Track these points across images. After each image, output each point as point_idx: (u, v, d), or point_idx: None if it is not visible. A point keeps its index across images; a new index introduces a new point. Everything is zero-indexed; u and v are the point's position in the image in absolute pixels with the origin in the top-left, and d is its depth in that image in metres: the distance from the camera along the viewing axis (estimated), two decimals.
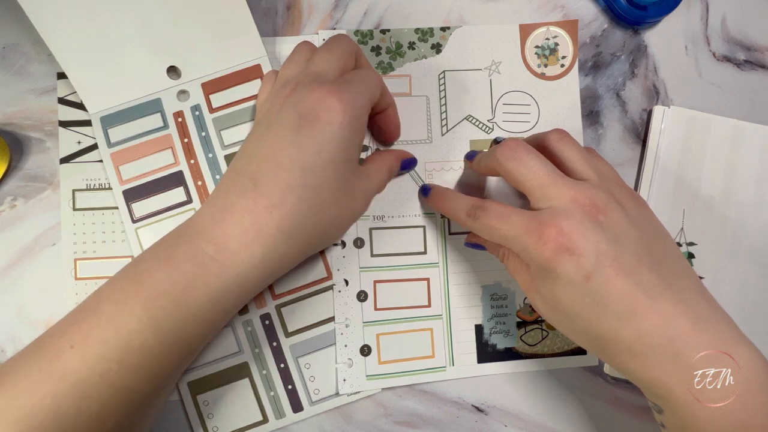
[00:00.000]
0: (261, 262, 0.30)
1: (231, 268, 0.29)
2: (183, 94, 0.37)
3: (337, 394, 0.37)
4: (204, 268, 0.29)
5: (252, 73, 0.37)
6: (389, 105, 0.36)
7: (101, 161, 0.37)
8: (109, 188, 0.37)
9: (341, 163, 0.31)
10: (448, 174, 0.39)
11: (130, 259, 0.36)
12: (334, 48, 0.33)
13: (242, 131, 0.37)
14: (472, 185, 0.39)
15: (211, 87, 0.37)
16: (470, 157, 0.37)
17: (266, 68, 0.37)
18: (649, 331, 0.27)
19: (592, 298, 0.27)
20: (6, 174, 0.36)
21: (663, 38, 0.41)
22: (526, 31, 0.40)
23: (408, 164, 0.38)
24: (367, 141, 0.39)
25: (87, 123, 0.37)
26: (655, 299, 0.27)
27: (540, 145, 0.33)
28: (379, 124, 0.37)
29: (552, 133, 0.32)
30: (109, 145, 0.36)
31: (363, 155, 0.39)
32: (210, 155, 0.37)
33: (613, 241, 0.28)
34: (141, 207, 0.37)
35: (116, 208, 0.37)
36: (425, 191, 0.38)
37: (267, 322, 0.37)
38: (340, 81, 0.31)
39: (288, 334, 0.37)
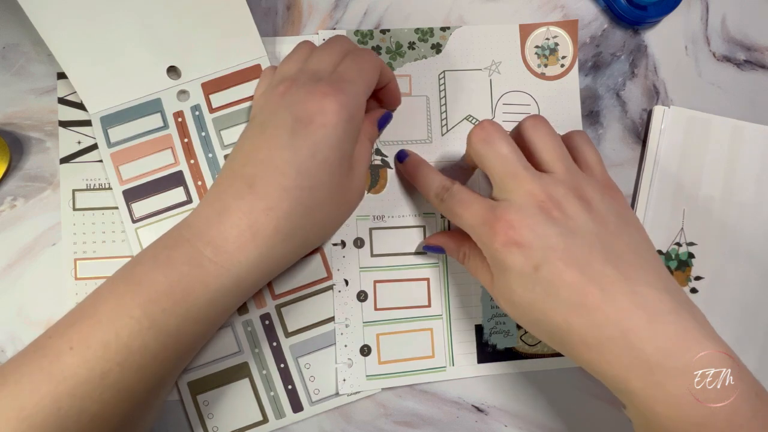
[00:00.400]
0: (258, 263, 0.30)
1: (229, 270, 0.29)
2: (183, 94, 0.37)
3: (337, 394, 0.37)
4: (202, 270, 0.29)
5: (252, 73, 0.37)
6: (390, 80, 0.36)
7: (101, 161, 0.37)
8: (109, 188, 0.37)
9: (335, 163, 0.31)
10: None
11: (130, 259, 0.36)
12: (333, 47, 0.33)
13: (242, 131, 0.37)
14: (461, 167, 0.39)
15: (211, 87, 0.37)
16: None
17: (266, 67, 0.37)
18: (601, 322, 0.27)
19: (543, 288, 0.28)
20: (6, 174, 0.36)
21: (663, 38, 0.41)
22: (526, 31, 0.40)
23: (384, 121, 0.37)
24: None
25: (87, 123, 0.37)
26: (606, 291, 0.27)
27: (517, 131, 0.33)
28: (381, 97, 0.37)
29: (527, 120, 0.33)
30: (109, 145, 0.36)
31: None
32: (210, 155, 0.37)
33: (565, 234, 0.28)
34: (141, 207, 0.37)
35: (116, 208, 0.37)
36: (401, 157, 0.38)
37: (267, 322, 0.37)
38: (335, 79, 0.31)
39: (288, 334, 0.37)
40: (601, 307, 0.27)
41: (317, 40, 0.39)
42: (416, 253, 0.38)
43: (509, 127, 0.40)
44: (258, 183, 0.30)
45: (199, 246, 0.29)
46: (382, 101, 0.38)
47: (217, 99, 0.37)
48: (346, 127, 0.30)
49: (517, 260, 0.28)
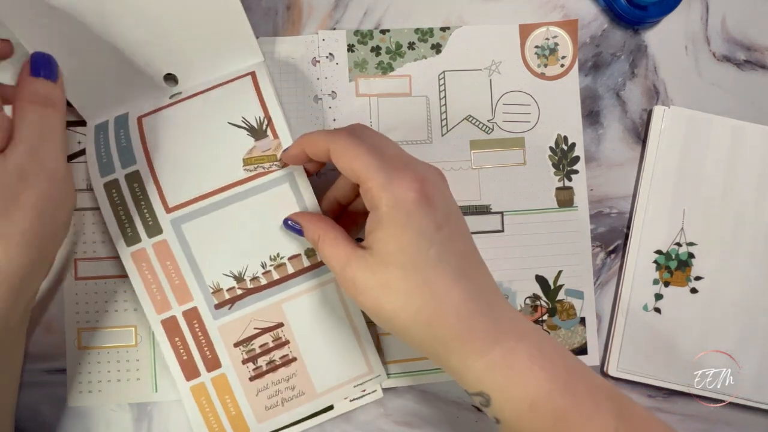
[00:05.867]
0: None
1: None
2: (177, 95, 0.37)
3: None
4: None
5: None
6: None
7: None
8: None
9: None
10: (448, 174, 0.39)
11: None
12: None
13: None
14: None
15: None
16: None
17: (263, 73, 0.37)
18: (479, 293, 0.29)
19: (437, 250, 0.28)
20: None
21: (663, 38, 0.41)
22: (526, 31, 0.40)
23: (38, 64, 0.30)
24: None
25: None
26: (484, 268, 0.30)
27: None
28: None
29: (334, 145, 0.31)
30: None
31: None
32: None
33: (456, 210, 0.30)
34: None
35: None
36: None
37: None
38: None
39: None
40: (478, 279, 0.29)
41: (317, 40, 0.39)
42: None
43: (510, 126, 0.40)
44: None
45: None
46: None
47: None
48: None
49: (423, 215, 0.28)
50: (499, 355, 0.28)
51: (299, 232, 0.34)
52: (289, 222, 0.34)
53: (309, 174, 0.36)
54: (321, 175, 0.39)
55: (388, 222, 0.28)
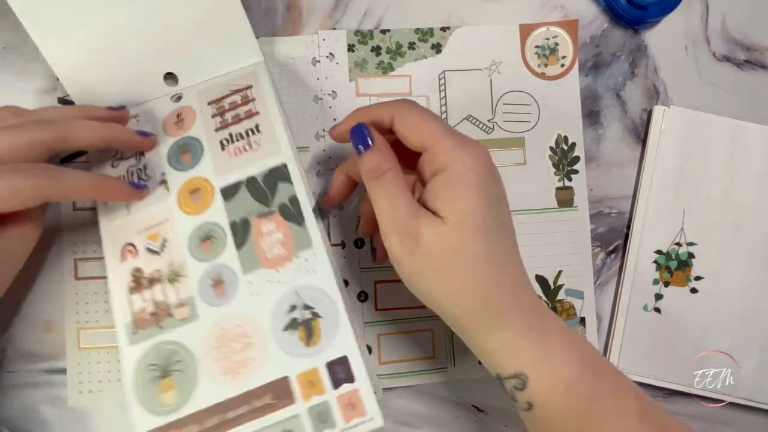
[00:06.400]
0: None
1: None
2: (178, 99, 0.37)
3: None
4: None
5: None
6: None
7: None
8: None
9: None
10: None
11: None
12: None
13: None
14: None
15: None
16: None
17: (263, 73, 0.37)
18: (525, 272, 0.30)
19: (501, 221, 0.28)
20: None
21: (663, 38, 0.41)
22: (526, 31, 0.40)
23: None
24: None
25: None
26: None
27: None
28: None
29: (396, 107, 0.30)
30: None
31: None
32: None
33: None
34: None
35: None
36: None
37: None
38: None
39: None
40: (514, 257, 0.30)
41: (317, 40, 0.39)
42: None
43: (510, 126, 0.40)
44: None
45: None
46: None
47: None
48: None
49: (495, 184, 0.28)
50: (539, 333, 0.28)
51: (365, 144, 0.29)
52: (362, 127, 0.29)
53: (333, 204, 0.36)
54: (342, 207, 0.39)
55: (461, 182, 0.27)
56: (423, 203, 0.28)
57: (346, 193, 0.35)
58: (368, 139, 0.29)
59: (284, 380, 0.31)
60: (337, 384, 0.31)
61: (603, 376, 0.28)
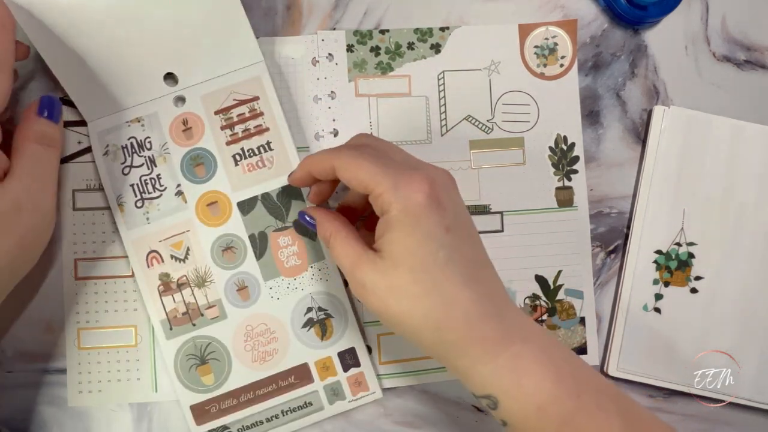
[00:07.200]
0: None
1: None
2: (180, 100, 0.37)
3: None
4: None
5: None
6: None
7: None
8: None
9: None
10: None
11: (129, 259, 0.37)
12: None
13: None
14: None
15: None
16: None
17: (267, 82, 0.37)
18: (488, 296, 0.29)
19: (446, 253, 0.28)
20: None
21: (663, 38, 0.41)
22: (525, 31, 0.40)
23: (46, 107, 0.33)
24: None
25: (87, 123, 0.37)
26: (492, 270, 0.30)
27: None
28: None
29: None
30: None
31: None
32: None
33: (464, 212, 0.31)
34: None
35: None
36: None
37: None
38: None
39: None
40: (489, 282, 0.30)
41: (317, 40, 0.39)
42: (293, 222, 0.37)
43: (509, 126, 0.40)
44: None
45: None
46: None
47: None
48: None
49: (433, 218, 0.28)
50: (506, 359, 0.27)
51: (312, 226, 0.33)
52: (306, 216, 0.33)
53: (327, 197, 0.35)
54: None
55: (397, 225, 0.28)
56: (376, 239, 0.30)
57: (308, 183, 0.35)
58: (310, 220, 0.33)
59: (304, 365, 0.37)
60: (346, 368, 0.37)
61: (581, 396, 0.27)
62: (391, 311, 0.28)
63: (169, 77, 0.37)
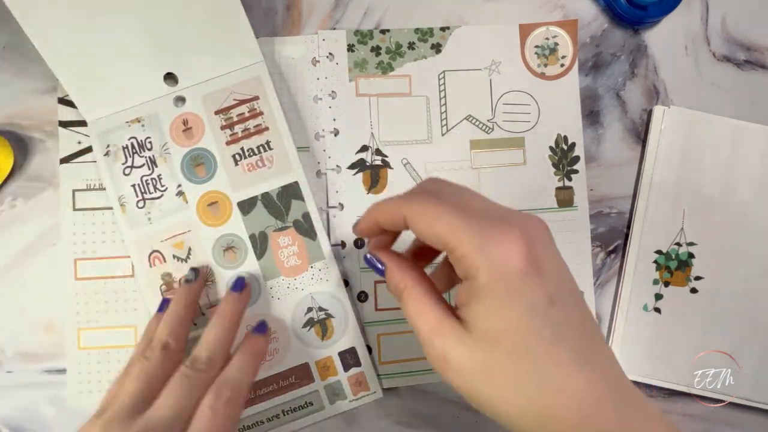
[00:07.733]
0: None
1: None
2: (180, 100, 0.37)
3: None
4: None
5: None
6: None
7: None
8: None
9: None
10: (448, 174, 0.39)
11: (130, 259, 0.36)
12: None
13: None
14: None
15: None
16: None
17: (267, 82, 0.37)
18: (604, 380, 0.23)
19: (552, 330, 0.23)
20: (11, 173, 0.37)
21: (663, 38, 0.41)
22: (525, 31, 0.40)
23: (263, 326, 0.35)
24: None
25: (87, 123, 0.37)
26: (603, 341, 0.25)
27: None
28: None
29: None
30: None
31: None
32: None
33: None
34: None
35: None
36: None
37: None
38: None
39: None
40: (601, 362, 0.24)
41: (317, 40, 0.39)
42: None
43: (509, 126, 0.40)
44: None
45: None
46: None
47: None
48: None
49: (533, 287, 0.23)
50: None
51: (381, 272, 0.28)
52: (371, 257, 0.28)
53: (389, 247, 0.30)
54: None
55: (489, 295, 0.23)
56: (458, 305, 0.25)
57: (375, 234, 0.29)
58: (378, 265, 0.28)
59: (305, 365, 0.37)
60: (347, 368, 0.37)
61: None
62: (482, 396, 0.24)
63: (169, 77, 0.37)
